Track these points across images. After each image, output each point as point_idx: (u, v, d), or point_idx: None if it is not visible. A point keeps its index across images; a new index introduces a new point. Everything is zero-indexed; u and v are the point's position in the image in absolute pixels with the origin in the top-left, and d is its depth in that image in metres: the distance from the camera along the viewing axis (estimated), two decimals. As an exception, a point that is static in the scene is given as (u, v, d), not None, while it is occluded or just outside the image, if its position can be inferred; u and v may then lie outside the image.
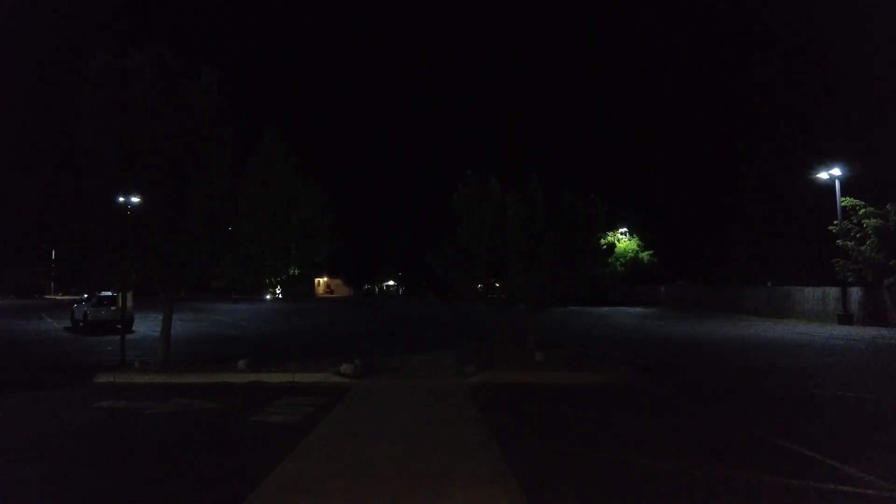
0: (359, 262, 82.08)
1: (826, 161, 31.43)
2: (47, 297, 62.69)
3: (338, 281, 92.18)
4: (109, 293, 23.73)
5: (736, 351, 18.98)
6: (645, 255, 56.64)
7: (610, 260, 39.70)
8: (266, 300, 65.09)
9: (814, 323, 30.35)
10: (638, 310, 44.67)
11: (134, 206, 12.55)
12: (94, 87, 12.35)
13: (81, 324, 25.78)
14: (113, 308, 23.83)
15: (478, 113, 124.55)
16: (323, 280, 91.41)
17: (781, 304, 35.42)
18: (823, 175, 31.61)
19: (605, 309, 43.81)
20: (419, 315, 40.23)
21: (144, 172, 12.27)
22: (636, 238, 57.80)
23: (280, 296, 68.54)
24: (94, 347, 19.49)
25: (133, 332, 23.89)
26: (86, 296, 27.11)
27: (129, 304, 14.51)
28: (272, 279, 15.23)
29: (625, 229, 58.14)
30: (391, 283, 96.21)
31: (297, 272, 16.32)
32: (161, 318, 14.07)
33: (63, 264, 13.17)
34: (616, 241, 48.92)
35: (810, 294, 33.32)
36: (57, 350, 19.21)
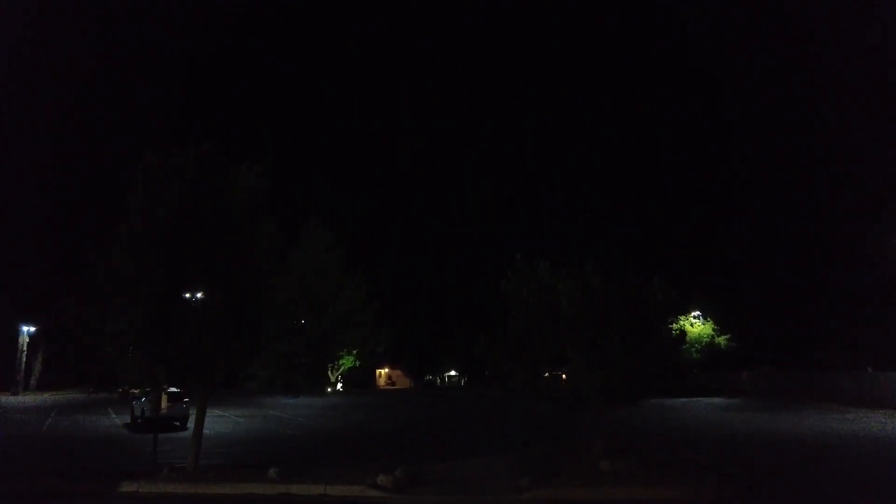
0: (419, 351, 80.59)
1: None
2: (128, 389, 63.92)
3: (398, 372, 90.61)
4: (171, 389, 23.56)
5: (855, 453, 16.19)
6: (722, 339, 52.74)
7: (683, 347, 36.77)
8: (327, 393, 64.28)
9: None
10: (719, 400, 40.78)
11: (163, 304, 12.07)
12: (137, 187, 12.38)
13: (139, 420, 25.59)
14: (170, 404, 23.67)
15: (529, 193, 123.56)
16: (384, 371, 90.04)
17: (886, 394, 31.33)
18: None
19: (682, 400, 40.19)
20: (477, 410, 38.03)
21: (179, 270, 11.89)
22: (710, 322, 54.15)
23: (341, 388, 67.57)
24: (140, 447, 18.90)
25: (187, 428, 23.39)
26: (147, 390, 27.09)
27: (164, 405, 13.89)
28: (320, 375, 14.39)
29: (697, 313, 54.68)
30: (453, 373, 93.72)
31: (357, 363, 15.54)
32: (216, 413, 13.34)
33: (98, 363, 12.69)
34: (690, 326, 45.71)
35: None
36: (102, 450, 18.73)
